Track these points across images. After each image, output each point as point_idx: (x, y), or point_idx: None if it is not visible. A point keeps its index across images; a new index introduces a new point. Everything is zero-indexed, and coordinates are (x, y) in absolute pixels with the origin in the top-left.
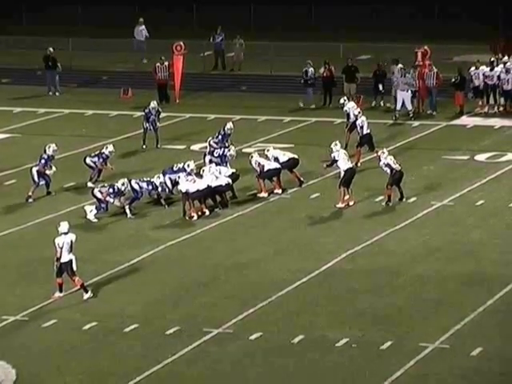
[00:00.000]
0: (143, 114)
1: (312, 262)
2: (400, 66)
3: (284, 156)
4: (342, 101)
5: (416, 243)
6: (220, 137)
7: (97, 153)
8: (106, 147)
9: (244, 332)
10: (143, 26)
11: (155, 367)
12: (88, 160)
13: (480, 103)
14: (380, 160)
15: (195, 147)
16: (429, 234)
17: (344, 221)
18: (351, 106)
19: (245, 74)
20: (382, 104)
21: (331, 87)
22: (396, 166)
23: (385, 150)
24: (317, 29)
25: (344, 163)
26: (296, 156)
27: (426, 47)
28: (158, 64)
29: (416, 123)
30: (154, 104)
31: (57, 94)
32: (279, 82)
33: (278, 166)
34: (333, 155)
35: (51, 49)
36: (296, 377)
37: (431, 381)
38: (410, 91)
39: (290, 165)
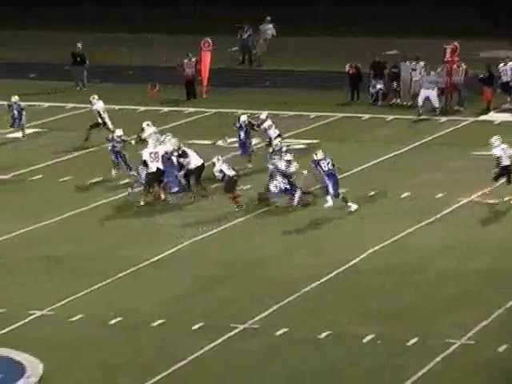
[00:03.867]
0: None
1: (337, 257)
2: (422, 62)
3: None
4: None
5: (441, 240)
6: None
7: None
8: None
9: (270, 327)
10: (271, 25)
11: (180, 363)
12: None
13: (508, 99)
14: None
15: (221, 142)
16: (454, 231)
17: (368, 217)
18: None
19: (271, 69)
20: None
21: (358, 83)
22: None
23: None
24: (341, 26)
25: None
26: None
27: (455, 43)
28: (186, 60)
29: (443, 119)
30: (14, 98)
31: (84, 89)
32: (306, 78)
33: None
34: (494, 151)
35: (79, 44)
36: (322, 372)
37: (457, 377)
38: (435, 89)
39: None
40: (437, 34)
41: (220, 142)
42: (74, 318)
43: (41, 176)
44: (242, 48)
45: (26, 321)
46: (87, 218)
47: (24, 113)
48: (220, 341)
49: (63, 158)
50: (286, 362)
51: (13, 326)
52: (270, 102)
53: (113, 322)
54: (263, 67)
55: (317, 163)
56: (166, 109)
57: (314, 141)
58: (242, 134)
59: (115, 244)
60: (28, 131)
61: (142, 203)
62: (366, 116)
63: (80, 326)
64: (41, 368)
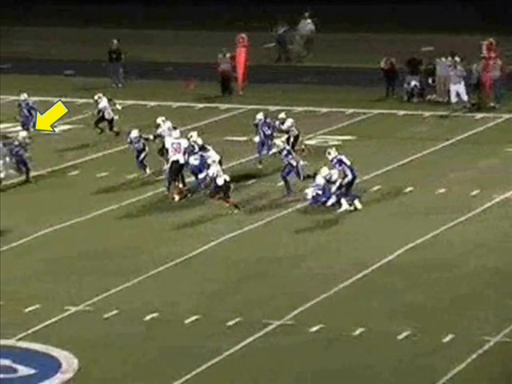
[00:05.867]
0: None
1: (369, 255)
2: (457, 58)
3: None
4: (283, 115)
5: (474, 237)
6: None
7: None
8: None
9: (304, 324)
10: (309, 21)
11: (215, 359)
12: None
13: None
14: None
15: (257, 139)
16: (488, 228)
17: (402, 214)
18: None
19: (308, 65)
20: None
21: (394, 79)
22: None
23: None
24: (378, 23)
25: None
26: None
27: (491, 39)
28: (221, 56)
29: (478, 116)
30: (23, 96)
31: (119, 85)
32: (341, 74)
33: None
34: None
35: (115, 41)
36: (355, 369)
37: (495, 374)
38: (462, 83)
39: None
40: (472, 31)
41: (256, 139)
42: (108, 314)
43: (78, 172)
44: (278, 44)
45: (61, 316)
46: (122, 215)
47: (33, 111)
48: (255, 337)
49: (99, 154)
50: (320, 359)
51: (48, 322)
52: (306, 98)
53: (147, 318)
54: (299, 64)
55: (340, 160)
56: (200, 105)
57: (350, 137)
58: (261, 134)
59: (151, 241)
60: (64, 127)
61: (176, 199)
62: (402, 112)
63: (115, 322)
64: (76, 363)
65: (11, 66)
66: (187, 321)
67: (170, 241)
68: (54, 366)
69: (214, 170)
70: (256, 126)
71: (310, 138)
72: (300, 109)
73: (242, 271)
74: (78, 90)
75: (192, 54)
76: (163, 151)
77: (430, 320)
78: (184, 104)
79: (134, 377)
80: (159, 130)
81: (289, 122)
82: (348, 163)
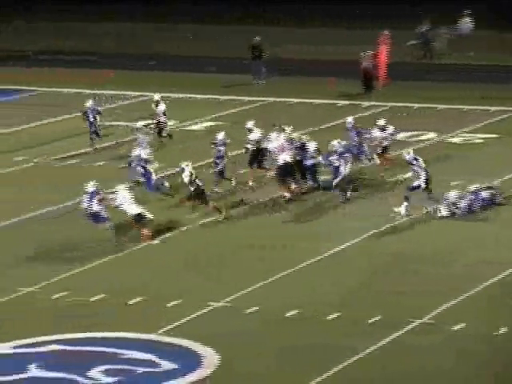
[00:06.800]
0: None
1: None
2: None
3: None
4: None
5: None
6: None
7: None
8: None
9: (446, 323)
10: (468, 19)
11: (355, 357)
12: None
13: None
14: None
15: (400, 136)
16: None
17: None
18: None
19: (451, 63)
20: None
21: None
22: None
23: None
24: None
25: None
26: None
27: None
28: (362, 53)
29: None
30: (89, 103)
31: (261, 82)
32: (485, 72)
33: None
34: None
35: (257, 38)
36: (500, 369)
37: None
38: None
39: None
40: None
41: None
42: (250, 310)
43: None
44: (423, 42)
45: (203, 312)
46: (267, 209)
47: (98, 118)
48: (395, 336)
49: (238, 152)
50: (463, 358)
51: (190, 317)
52: (448, 96)
53: (289, 314)
54: (443, 61)
55: (415, 158)
56: (342, 102)
57: (493, 136)
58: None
59: (292, 238)
60: (206, 124)
61: (287, 196)
62: None
63: (256, 318)
64: (217, 359)
65: (156, 63)
66: (328, 317)
67: (312, 238)
68: (195, 360)
69: (187, 174)
70: (347, 129)
71: (452, 136)
72: (442, 106)
73: (382, 268)
74: (221, 87)
75: (334, 51)
76: (260, 164)
77: None
78: (326, 101)
79: (273, 373)
80: (252, 136)
81: (390, 129)
82: (423, 165)
